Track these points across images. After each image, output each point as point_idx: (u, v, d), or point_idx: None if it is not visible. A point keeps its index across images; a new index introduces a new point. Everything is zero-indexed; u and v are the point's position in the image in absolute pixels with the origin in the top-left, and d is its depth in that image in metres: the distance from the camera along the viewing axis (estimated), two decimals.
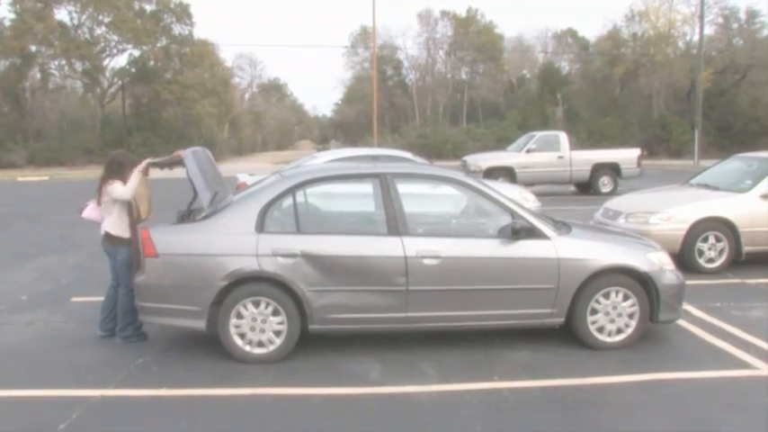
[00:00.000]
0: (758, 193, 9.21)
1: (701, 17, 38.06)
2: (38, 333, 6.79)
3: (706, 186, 10.18)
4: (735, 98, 45.46)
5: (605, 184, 20.58)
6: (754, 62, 44.38)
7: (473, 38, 55.63)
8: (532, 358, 5.86)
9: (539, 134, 21.81)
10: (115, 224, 6.34)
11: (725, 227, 9.05)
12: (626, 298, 5.99)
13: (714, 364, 5.68)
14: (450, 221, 6.80)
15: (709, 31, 45.37)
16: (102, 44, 47.81)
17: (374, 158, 10.48)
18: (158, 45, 47.72)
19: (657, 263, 6.12)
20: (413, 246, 5.75)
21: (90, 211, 6.59)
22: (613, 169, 20.65)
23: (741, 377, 5.43)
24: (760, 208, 9.11)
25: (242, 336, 5.76)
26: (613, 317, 6.00)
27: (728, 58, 46.12)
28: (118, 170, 6.36)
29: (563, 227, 6.33)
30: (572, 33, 60.13)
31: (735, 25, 48.78)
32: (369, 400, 5.05)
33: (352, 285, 5.73)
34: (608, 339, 6.02)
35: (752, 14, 47.78)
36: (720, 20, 48.48)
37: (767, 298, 7.83)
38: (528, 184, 17.97)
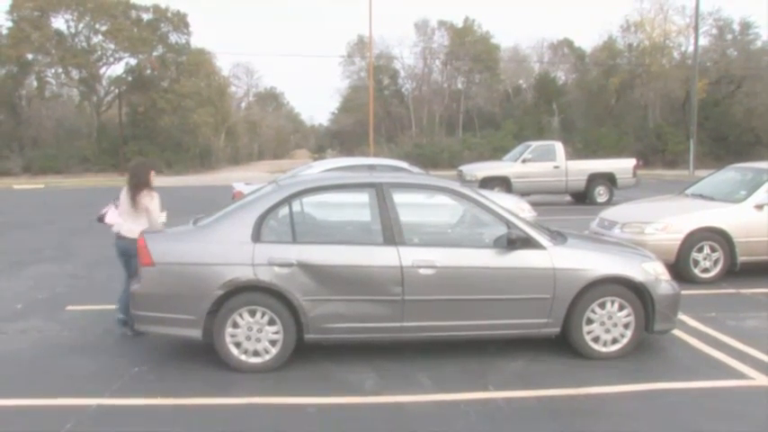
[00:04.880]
0: (753, 203, 9.24)
1: (696, 28, 38.23)
2: (32, 342, 6.77)
3: (701, 196, 10.21)
4: (729, 108, 45.59)
5: (601, 193, 20.61)
6: (749, 73, 44.58)
7: (469, 48, 55.78)
8: (528, 368, 5.86)
9: (535, 144, 21.85)
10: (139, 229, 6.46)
11: (720, 237, 9.07)
12: (621, 308, 6.00)
13: (709, 374, 5.69)
14: (445, 231, 6.81)
15: (703, 41, 45.58)
16: (99, 52, 47.79)
17: (370, 168, 10.50)
18: (155, 54, 47.75)
19: (653, 273, 6.13)
20: (409, 255, 5.76)
21: (113, 217, 6.94)
22: (609, 179, 20.69)
23: (736, 387, 5.44)
24: (755, 218, 9.14)
25: (238, 345, 5.75)
26: (609, 327, 6.01)
27: (723, 69, 46.32)
28: (146, 179, 6.82)
29: (559, 237, 6.34)
30: (568, 44, 60.33)
31: (729, 36, 48.96)
32: (364, 409, 5.05)
33: (348, 295, 5.74)
34: (603, 349, 6.03)
35: (745, 26, 48.01)
36: (715, 31, 48.68)
37: (762, 308, 7.85)
38: (524, 193, 18.01)
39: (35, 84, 47.73)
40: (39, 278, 9.95)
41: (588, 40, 77.68)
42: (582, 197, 20.84)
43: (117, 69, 49.83)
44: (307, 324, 5.73)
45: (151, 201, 6.72)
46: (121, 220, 6.84)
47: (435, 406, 5.10)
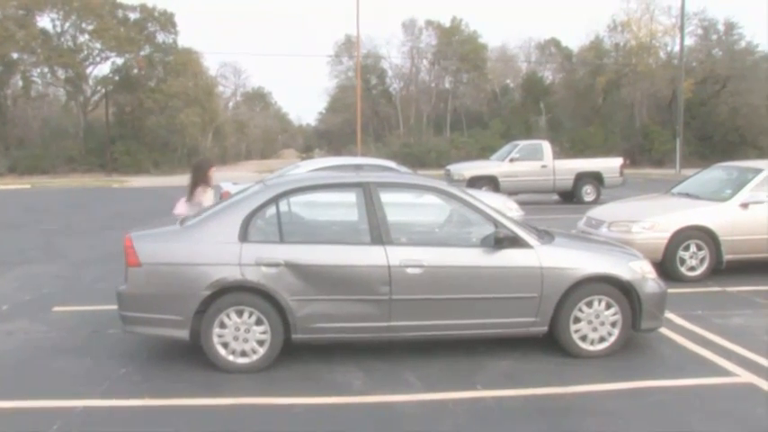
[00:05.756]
0: (738, 201, 9.31)
1: (682, 28, 38.49)
2: (18, 343, 6.72)
3: (687, 195, 10.27)
4: (715, 108, 45.90)
5: (588, 192, 20.71)
6: (733, 73, 44.90)
7: (457, 47, 55.80)
8: (516, 367, 5.88)
9: (522, 143, 21.93)
10: None
11: (706, 235, 9.13)
12: (609, 306, 6.03)
13: (696, 372, 5.73)
14: (433, 230, 6.81)
15: (689, 42, 45.89)
16: (85, 52, 47.40)
17: (358, 167, 10.48)
18: (142, 53, 47.44)
19: (640, 271, 6.16)
20: (396, 255, 5.76)
21: (180, 207, 7.53)
22: (596, 178, 20.80)
23: (722, 384, 5.48)
24: (740, 217, 9.21)
25: (225, 345, 5.73)
26: (596, 325, 6.03)
27: (708, 69, 46.64)
28: (203, 175, 7.68)
29: (546, 236, 6.36)
30: (555, 43, 60.45)
31: (714, 36, 49.30)
32: (352, 409, 5.05)
33: (336, 294, 5.73)
34: (591, 348, 6.05)
35: (730, 26, 48.37)
36: (700, 31, 48.99)
37: (747, 306, 7.91)
38: (511, 192, 18.03)
39: (20, 83, 47.28)
40: (25, 279, 9.88)
41: (575, 40, 78.11)
42: (569, 196, 20.94)
43: (103, 69, 49.57)
44: (294, 324, 5.72)
45: (203, 195, 7.53)
46: (186, 211, 7.43)
47: (424, 405, 5.11)
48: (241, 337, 5.72)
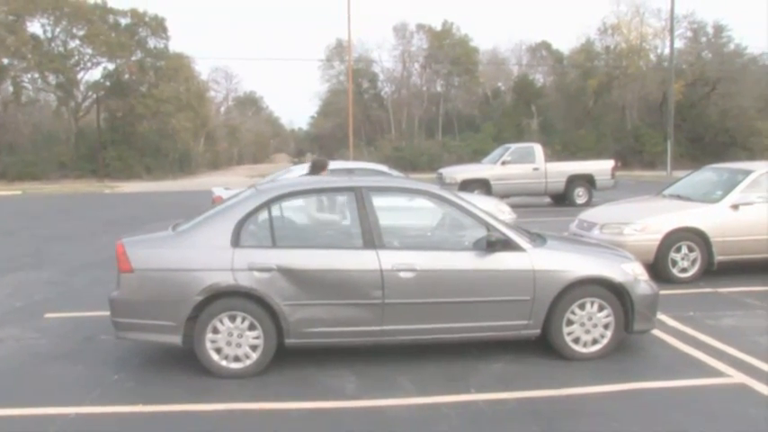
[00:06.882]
0: (729, 203, 9.35)
1: (671, 31, 38.73)
2: (10, 350, 6.68)
3: (678, 197, 10.31)
4: (705, 110, 46.24)
5: (580, 195, 20.75)
6: (723, 75, 45.26)
7: (448, 51, 56.01)
8: (509, 370, 5.89)
9: (514, 146, 21.98)
10: None
11: (697, 237, 9.17)
12: (601, 308, 6.04)
13: (688, 373, 5.75)
14: (425, 234, 6.81)
15: (679, 44, 46.19)
16: (76, 57, 47.32)
17: (350, 172, 10.49)
18: (133, 58, 47.33)
19: (632, 273, 6.18)
20: (388, 259, 5.76)
21: None
22: (588, 181, 20.85)
23: (715, 385, 5.50)
24: (731, 218, 9.25)
25: (218, 351, 5.72)
26: (589, 327, 6.05)
27: (698, 71, 46.95)
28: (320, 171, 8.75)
29: (538, 238, 6.38)
30: (546, 46, 60.75)
31: (703, 39, 49.65)
32: (345, 413, 5.04)
33: (328, 299, 5.73)
34: (584, 350, 6.06)
35: (719, 29, 48.75)
36: (690, 34, 49.35)
37: (739, 307, 7.94)
38: (503, 195, 18.10)
39: (11, 89, 47.10)
40: (16, 285, 9.83)
41: (566, 43, 78.51)
42: (561, 199, 20.98)
43: (95, 74, 49.50)
44: (287, 329, 5.72)
45: None
46: None
47: (417, 409, 5.10)
48: (234, 342, 5.71)
